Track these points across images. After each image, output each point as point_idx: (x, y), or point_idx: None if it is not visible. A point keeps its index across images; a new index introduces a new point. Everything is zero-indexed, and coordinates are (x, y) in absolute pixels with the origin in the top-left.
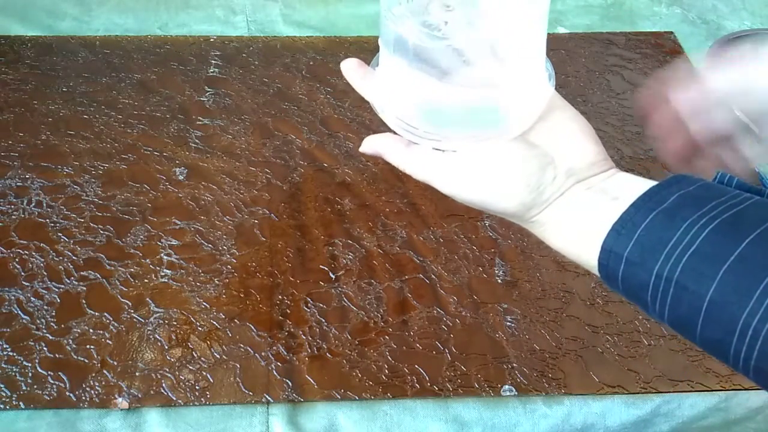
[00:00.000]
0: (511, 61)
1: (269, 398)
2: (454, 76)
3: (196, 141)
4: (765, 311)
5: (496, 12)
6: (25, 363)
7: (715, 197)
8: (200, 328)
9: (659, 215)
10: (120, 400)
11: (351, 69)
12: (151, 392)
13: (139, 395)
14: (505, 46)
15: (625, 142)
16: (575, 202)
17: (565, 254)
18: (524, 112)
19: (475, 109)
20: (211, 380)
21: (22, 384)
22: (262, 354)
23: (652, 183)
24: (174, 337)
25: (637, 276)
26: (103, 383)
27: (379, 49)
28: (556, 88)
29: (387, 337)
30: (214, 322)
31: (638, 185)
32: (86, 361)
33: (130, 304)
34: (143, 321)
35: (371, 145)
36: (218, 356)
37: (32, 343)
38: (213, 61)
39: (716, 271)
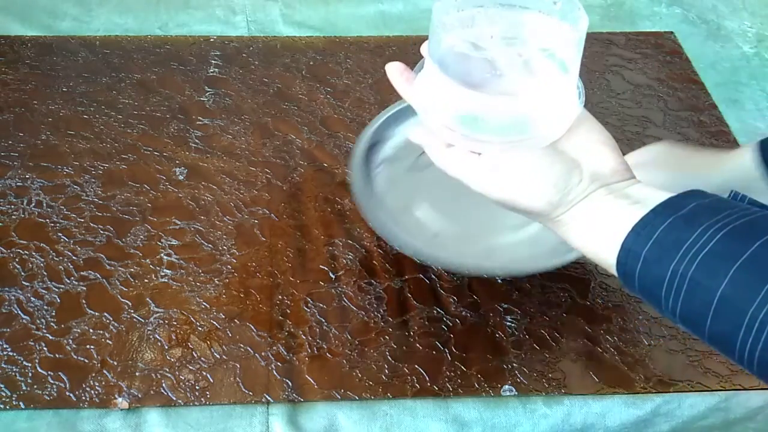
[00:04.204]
0: (548, 77)
1: (269, 398)
2: (493, 85)
3: (196, 141)
4: None
5: (540, 32)
6: (25, 363)
7: (729, 208)
8: (200, 328)
9: (677, 219)
10: (120, 400)
11: (396, 72)
12: (151, 392)
13: (139, 395)
14: (543, 63)
15: (625, 142)
16: (598, 204)
17: (585, 253)
18: (555, 124)
19: (511, 119)
20: (211, 380)
21: (22, 384)
22: (262, 354)
23: (670, 194)
24: (174, 337)
25: (654, 273)
26: (103, 383)
27: (424, 57)
28: None
29: (387, 337)
30: (214, 322)
31: (658, 194)
32: (86, 361)
33: (130, 304)
34: (143, 321)
35: (418, 136)
36: (218, 356)
37: (32, 343)
38: (213, 61)
39: (728, 269)
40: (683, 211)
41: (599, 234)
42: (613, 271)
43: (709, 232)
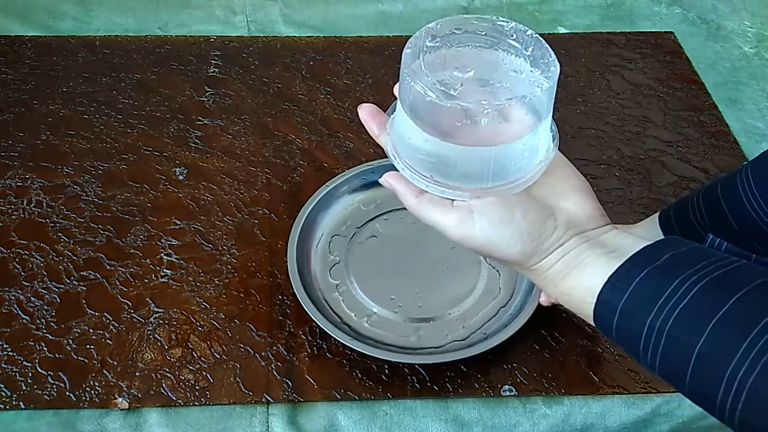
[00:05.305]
0: (521, 124)
1: (269, 398)
2: (465, 132)
3: (196, 141)
4: (750, 364)
5: (512, 78)
6: (25, 363)
7: (705, 258)
8: (200, 328)
9: (653, 271)
10: (120, 400)
11: (368, 115)
12: (151, 392)
13: (139, 395)
14: (515, 110)
15: (625, 142)
16: (573, 252)
17: (562, 302)
18: (529, 170)
19: (484, 166)
20: (211, 380)
21: (22, 384)
22: (262, 354)
23: (646, 242)
24: (174, 337)
25: (631, 327)
26: (103, 383)
27: (397, 100)
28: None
29: None
30: (214, 322)
31: (634, 242)
32: (86, 361)
33: (130, 304)
34: (143, 321)
35: (389, 182)
36: (218, 356)
37: (32, 343)
38: (213, 61)
39: (706, 325)
40: (659, 262)
41: (575, 284)
42: (591, 321)
43: (686, 284)
